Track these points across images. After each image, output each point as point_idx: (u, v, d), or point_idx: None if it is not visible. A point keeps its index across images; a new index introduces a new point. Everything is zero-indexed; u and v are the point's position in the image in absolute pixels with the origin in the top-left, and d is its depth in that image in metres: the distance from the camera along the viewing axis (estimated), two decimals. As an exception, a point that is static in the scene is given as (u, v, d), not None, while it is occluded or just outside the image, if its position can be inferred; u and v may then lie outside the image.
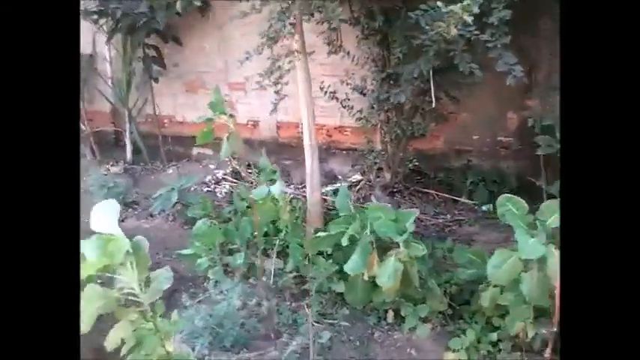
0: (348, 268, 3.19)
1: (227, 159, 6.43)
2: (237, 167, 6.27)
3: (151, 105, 6.70)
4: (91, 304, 1.88)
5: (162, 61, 6.22)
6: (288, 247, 4.05)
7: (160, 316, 2.12)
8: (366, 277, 3.37)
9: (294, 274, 3.78)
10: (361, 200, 5.41)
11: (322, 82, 5.28)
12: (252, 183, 5.98)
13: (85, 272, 1.90)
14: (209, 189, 6.01)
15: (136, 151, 6.78)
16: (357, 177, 5.75)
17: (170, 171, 6.47)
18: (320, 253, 3.83)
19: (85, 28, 6.21)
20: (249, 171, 6.29)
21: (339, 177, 5.88)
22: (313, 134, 4.07)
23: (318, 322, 3.33)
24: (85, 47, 6.74)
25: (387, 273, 3.12)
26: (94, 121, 6.89)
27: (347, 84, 5.21)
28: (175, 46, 6.34)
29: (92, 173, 5.38)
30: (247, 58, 3.73)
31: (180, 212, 4.98)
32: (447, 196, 5.34)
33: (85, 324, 1.94)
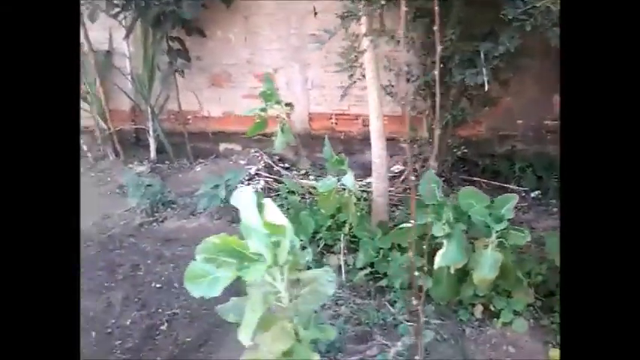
0: (444, 260, 2.93)
1: (257, 154, 6.14)
2: (270, 161, 5.98)
3: (172, 101, 6.36)
4: (255, 311, 1.61)
5: (187, 54, 5.87)
6: (353, 241, 3.79)
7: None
8: (452, 271, 3.13)
9: (368, 269, 3.50)
10: (407, 191, 5.16)
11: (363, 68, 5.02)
12: (281, 176, 5.73)
13: (252, 275, 1.64)
14: (237, 186, 5.69)
15: (159, 149, 6.43)
16: (399, 167, 5.50)
17: (198, 169, 6.14)
18: (391, 247, 3.57)
19: (100, 24, 5.87)
20: (286, 165, 6.02)
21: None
22: (381, 121, 3.77)
23: (408, 321, 3.07)
24: (101, 44, 6.37)
25: (487, 264, 2.87)
26: (113, 120, 6.53)
27: (390, 70, 4.94)
28: (198, 38, 5.99)
29: (126, 173, 5.03)
30: (322, 42, 3.41)
31: (225, 210, 4.67)
32: (495, 183, 5.11)
33: (246, 335, 1.67)
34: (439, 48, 2.40)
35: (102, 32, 6.21)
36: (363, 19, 3.51)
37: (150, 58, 6.05)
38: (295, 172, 5.97)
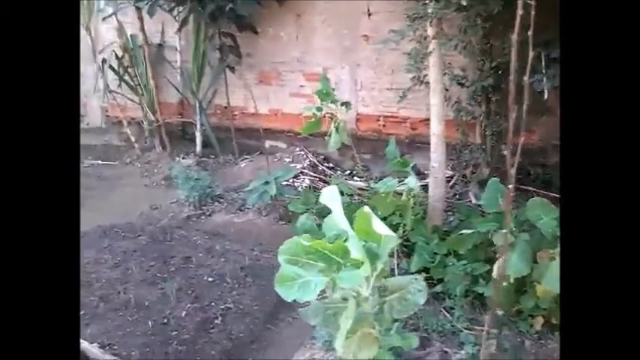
0: (508, 270, 2.83)
1: (302, 152, 6.11)
2: (315, 160, 5.94)
3: (219, 96, 6.39)
4: (349, 319, 1.56)
5: (238, 50, 5.88)
6: (405, 245, 3.71)
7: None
8: (511, 280, 3.03)
9: (423, 275, 3.41)
10: (457, 196, 5.06)
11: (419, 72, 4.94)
12: (327, 176, 5.69)
13: (351, 281, 1.59)
14: (287, 183, 5.66)
15: (205, 143, 6.46)
16: (448, 172, 5.38)
17: (243, 164, 6.15)
18: (447, 253, 3.48)
19: (155, 18, 5.93)
20: (330, 165, 5.97)
21: (426, 172, 5.50)
22: (443, 125, 3.68)
23: (467, 329, 2.98)
24: (153, 37, 6.45)
25: (554, 277, 2.76)
26: (162, 112, 6.58)
27: (445, 74, 4.84)
28: (249, 35, 5.99)
29: (176, 166, 5.05)
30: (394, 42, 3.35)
31: (273, 207, 4.65)
32: (546, 192, 4.96)
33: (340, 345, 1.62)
34: (531, 53, 2.29)
35: (155, 25, 6.28)
36: (433, 22, 3.42)
37: (201, 53, 6.08)
38: (339, 171, 5.92)
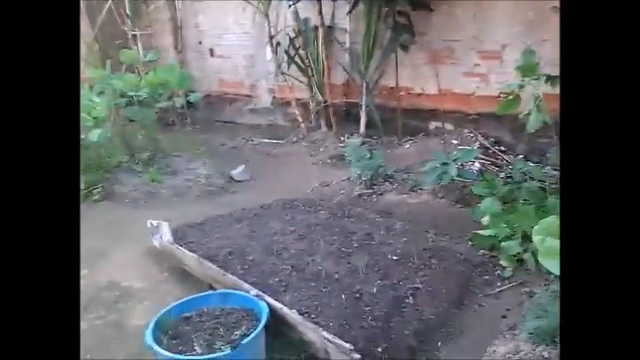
0: None
1: (471, 134, 5.79)
2: (486, 143, 5.60)
3: (385, 77, 6.29)
4: None
5: (412, 29, 5.71)
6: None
7: None
8: None
9: None
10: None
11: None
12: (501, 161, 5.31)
13: None
14: (457, 166, 5.41)
15: (368, 124, 6.43)
16: None
17: (407, 145, 6.01)
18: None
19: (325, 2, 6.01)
20: (501, 148, 5.59)
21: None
22: None
23: None
24: (325, 19, 6.52)
25: None
26: (329, 93, 6.68)
27: None
28: (421, 13, 5.79)
29: (350, 144, 5.07)
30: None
31: (448, 189, 4.46)
32: None
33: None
34: None
35: (324, 8, 6.35)
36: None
37: (372, 34, 6.01)
38: (512, 155, 5.51)
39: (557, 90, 4.78)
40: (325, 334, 2.62)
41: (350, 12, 6.16)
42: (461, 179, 4.41)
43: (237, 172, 5.69)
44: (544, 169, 4.50)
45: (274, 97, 7.51)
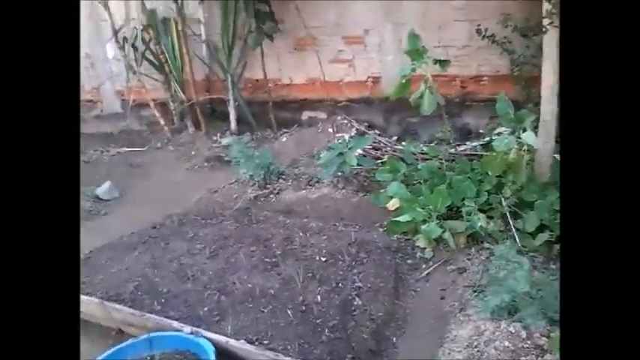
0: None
1: (345, 120, 5.81)
2: (362, 128, 5.66)
3: (248, 69, 5.99)
4: None
5: (274, 16, 5.48)
6: (518, 205, 3.50)
7: None
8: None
9: (547, 233, 3.25)
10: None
11: (479, 25, 4.72)
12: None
13: None
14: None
15: (238, 120, 6.08)
16: (503, 129, 5.21)
17: (284, 139, 5.81)
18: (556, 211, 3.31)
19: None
20: (377, 132, 5.69)
21: (481, 131, 5.32)
22: (557, 76, 3.43)
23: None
24: (172, 11, 5.95)
25: None
26: (187, 91, 6.15)
27: (507, 26, 4.62)
28: (280, 1, 5.58)
29: (235, 144, 4.70)
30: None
31: (346, 179, 4.38)
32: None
33: None
34: None
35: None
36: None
37: (230, 24, 5.64)
38: (387, 137, 5.67)
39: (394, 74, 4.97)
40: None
41: (202, 1, 5.70)
42: (359, 167, 4.37)
43: (102, 190, 4.94)
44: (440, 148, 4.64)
45: (124, 100, 6.70)
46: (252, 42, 5.48)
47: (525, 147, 3.35)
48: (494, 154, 3.41)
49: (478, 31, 4.69)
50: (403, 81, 3.71)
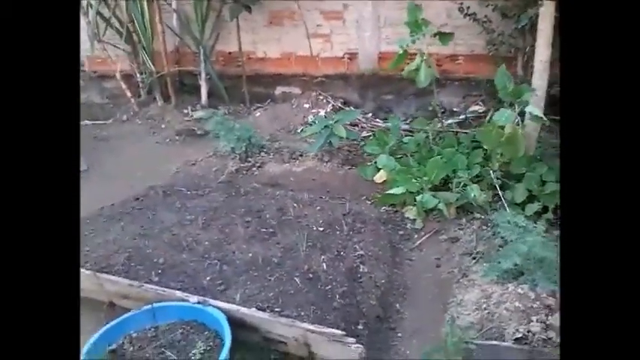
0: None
1: (322, 96, 5.75)
2: (338, 104, 5.62)
3: (222, 42, 5.80)
4: None
5: (251, -14, 5.31)
6: (506, 176, 3.59)
7: None
8: None
9: (537, 204, 3.34)
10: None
11: (461, 3, 4.76)
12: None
13: None
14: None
15: (210, 93, 5.89)
16: (477, 108, 5.33)
17: (258, 114, 5.68)
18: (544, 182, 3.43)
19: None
20: (352, 108, 5.65)
21: (455, 110, 5.41)
22: (550, 50, 3.49)
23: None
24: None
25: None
26: (154, 63, 5.87)
27: (488, 5, 4.70)
28: (254, -29, 5.42)
29: (213, 116, 4.54)
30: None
31: (332, 152, 4.34)
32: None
33: None
34: None
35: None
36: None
37: (204, -6, 5.43)
38: (362, 113, 5.66)
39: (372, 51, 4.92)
40: (307, 325, 2.31)
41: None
42: (343, 140, 4.33)
43: (69, 162, 4.64)
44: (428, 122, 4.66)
45: (84, 71, 6.33)
46: (230, 13, 5.28)
47: (519, 120, 3.43)
48: (490, 127, 3.46)
49: (460, 10, 4.73)
50: (400, 52, 3.69)
